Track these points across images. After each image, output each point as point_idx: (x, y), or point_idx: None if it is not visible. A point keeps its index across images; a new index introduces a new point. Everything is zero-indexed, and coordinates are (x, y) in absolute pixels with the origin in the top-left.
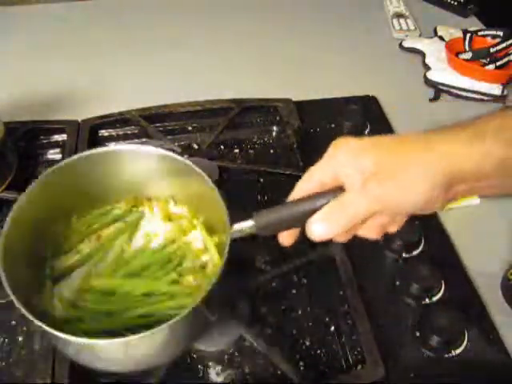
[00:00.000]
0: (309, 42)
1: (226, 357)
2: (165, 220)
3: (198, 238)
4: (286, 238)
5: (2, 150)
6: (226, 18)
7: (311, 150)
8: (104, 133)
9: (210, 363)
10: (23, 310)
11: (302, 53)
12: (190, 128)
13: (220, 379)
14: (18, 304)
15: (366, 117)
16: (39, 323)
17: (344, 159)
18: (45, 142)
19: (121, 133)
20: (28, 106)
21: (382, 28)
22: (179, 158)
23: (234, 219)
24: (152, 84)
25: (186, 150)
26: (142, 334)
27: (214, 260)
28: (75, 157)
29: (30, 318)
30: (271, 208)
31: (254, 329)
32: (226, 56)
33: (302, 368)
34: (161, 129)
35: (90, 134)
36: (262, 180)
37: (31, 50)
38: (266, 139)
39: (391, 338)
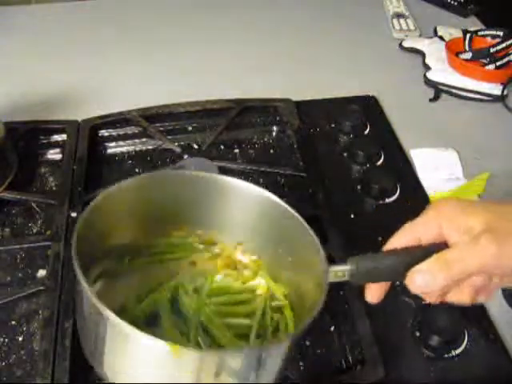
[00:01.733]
0: (309, 42)
1: None
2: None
3: (261, 285)
4: (375, 292)
5: (2, 150)
6: (226, 18)
7: (311, 150)
8: (104, 133)
9: None
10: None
11: (301, 53)
12: (190, 128)
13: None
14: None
15: (366, 117)
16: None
17: (451, 216)
18: (45, 142)
19: (121, 133)
20: (28, 106)
21: (382, 28)
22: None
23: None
24: (152, 84)
25: (186, 150)
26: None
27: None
28: (157, 173)
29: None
30: (367, 255)
31: None
32: (226, 56)
33: (301, 368)
34: (161, 129)
35: (90, 134)
36: (262, 180)
37: (31, 50)
38: (265, 139)
39: (391, 338)
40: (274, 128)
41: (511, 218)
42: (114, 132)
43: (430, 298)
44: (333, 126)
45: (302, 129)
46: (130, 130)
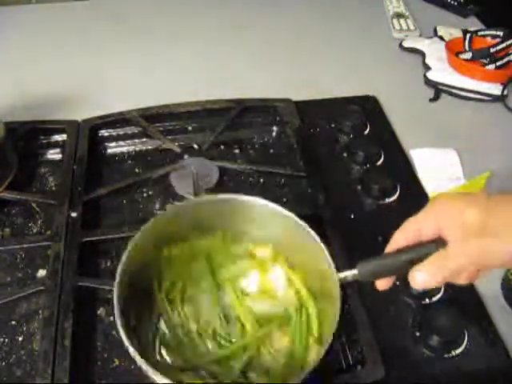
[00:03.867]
0: (309, 42)
1: None
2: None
3: (279, 274)
4: (384, 283)
5: (2, 150)
6: (226, 17)
7: (311, 150)
8: (104, 133)
9: None
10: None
11: (302, 52)
12: (190, 128)
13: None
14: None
15: (365, 117)
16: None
17: (447, 212)
18: (45, 142)
19: (121, 133)
20: (28, 106)
21: (382, 28)
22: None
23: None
24: (152, 84)
25: (186, 150)
26: None
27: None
28: (202, 198)
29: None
30: (374, 257)
31: None
32: (226, 56)
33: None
34: (161, 129)
35: (90, 134)
36: (262, 180)
37: (30, 50)
38: (266, 139)
39: (391, 338)
40: (274, 128)
41: (501, 216)
42: (113, 132)
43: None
44: (333, 125)
45: (301, 129)
46: (129, 130)
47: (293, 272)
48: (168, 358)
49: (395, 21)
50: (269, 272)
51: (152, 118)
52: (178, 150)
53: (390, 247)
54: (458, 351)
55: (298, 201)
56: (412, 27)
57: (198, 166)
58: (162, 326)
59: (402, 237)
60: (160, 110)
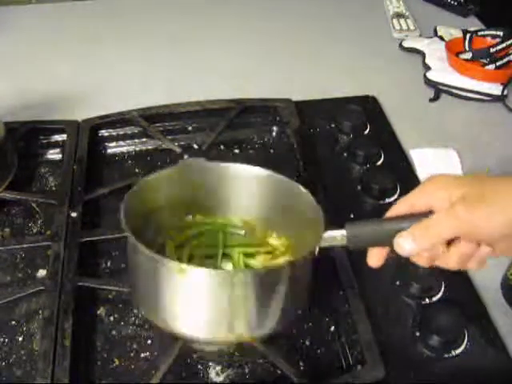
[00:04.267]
0: (309, 42)
1: (225, 357)
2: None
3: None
4: (375, 258)
5: (2, 150)
6: (226, 17)
7: (311, 150)
8: (104, 133)
9: (210, 363)
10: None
11: (301, 52)
12: (190, 128)
13: (220, 379)
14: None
15: (365, 117)
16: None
17: (438, 186)
18: (45, 142)
19: (121, 133)
20: (27, 106)
21: (382, 28)
22: (283, 177)
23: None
24: (152, 84)
25: (186, 150)
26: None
27: None
28: (192, 160)
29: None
30: (363, 221)
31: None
32: (226, 55)
33: (301, 368)
34: (161, 129)
35: (90, 134)
36: None
37: (31, 50)
38: (265, 139)
39: (391, 338)
40: (274, 128)
41: (488, 188)
42: (113, 132)
43: (420, 262)
44: (333, 126)
45: (301, 129)
46: (130, 130)
47: None
48: None
49: (395, 21)
50: (277, 258)
51: (152, 118)
52: (178, 150)
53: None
54: (458, 351)
55: None
56: (412, 27)
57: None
58: None
59: (398, 209)
60: (160, 110)
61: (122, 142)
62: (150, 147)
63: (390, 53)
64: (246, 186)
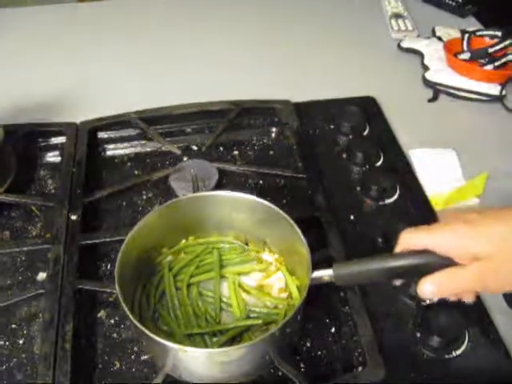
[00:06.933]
0: (307, 43)
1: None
2: (258, 263)
3: (280, 278)
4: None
5: (1, 153)
6: (222, 20)
7: (310, 151)
8: (103, 135)
9: None
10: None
11: (300, 54)
12: (188, 130)
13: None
14: (127, 312)
15: (365, 118)
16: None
17: (460, 234)
18: (43, 144)
19: (120, 135)
20: (25, 109)
21: (381, 28)
22: (271, 205)
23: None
24: (150, 86)
25: (186, 152)
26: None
27: (293, 297)
28: (183, 198)
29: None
30: (352, 261)
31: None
32: (224, 58)
33: (302, 369)
34: (160, 131)
35: (89, 136)
36: (261, 182)
37: (28, 52)
38: (265, 141)
39: (392, 339)
40: (273, 129)
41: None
42: (112, 134)
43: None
44: (332, 127)
45: (301, 130)
46: (128, 132)
47: (291, 278)
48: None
49: (393, 21)
50: (271, 275)
51: (151, 120)
52: (178, 151)
53: (398, 249)
54: (459, 352)
55: (297, 202)
56: (410, 27)
57: (198, 168)
58: (164, 300)
59: (407, 243)
60: (158, 112)
61: (120, 145)
62: (148, 149)
63: (389, 53)
64: (237, 211)
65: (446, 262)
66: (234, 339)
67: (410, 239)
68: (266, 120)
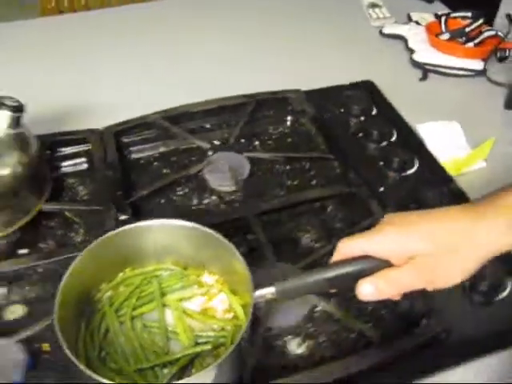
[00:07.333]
0: (300, 38)
1: (301, 329)
2: (199, 286)
3: (223, 299)
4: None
5: (39, 163)
6: (224, 19)
7: (329, 134)
8: (128, 138)
9: (289, 337)
10: (76, 362)
11: (295, 48)
12: (208, 126)
13: (300, 351)
14: (72, 357)
15: (370, 100)
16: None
17: (392, 237)
18: (69, 152)
19: (144, 137)
20: (43, 120)
21: (360, 18)
22: (207, 229)
23: (257, 286)
24: (160, 87)
25: (213, 147)
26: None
27: (239, 317)
28: (117, 231)
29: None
30: (293, 277)
31: (325, 297)
32: (226, 55)
33: (371, 326)
34: (182, 129)
35: (116, 140)
36: (288, 167)
37: (38, 63)
38: (281, 129)
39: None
40: (288, 118)
41: (447, 234)
42: (136, 137)
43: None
44: (342, 110)
45: (317, 116)
46: (152, 132)
47: (234, 298)
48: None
49: (371, 10)
50: (213, 298)
51: (173, 119)
52: (207, 145)
53: (335, 257)
54: (504, 294)
55: (329, 182)
56: (388, 15)
57: (229, 160)
58: (109, 336)
59: (345, 252)
60: (178, 110)
61: (146, 146)
62: (174, 147)
63: (372, 40)
64: (173, 238)
65: (384, 265)
66: (186, 367)
67: (348, 247)
68: (280, 110)
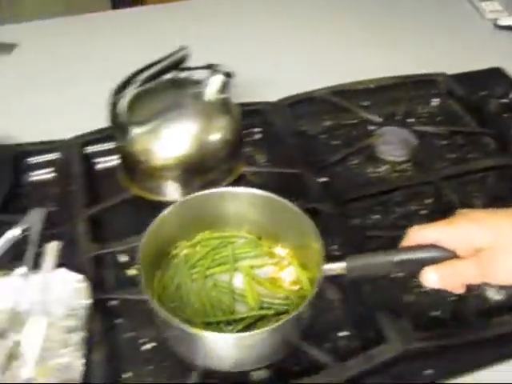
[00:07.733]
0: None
1: None
2: (270, 257)
3: (292, 272)
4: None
5: (240, 128)
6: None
7: (481, 113)
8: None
9: None
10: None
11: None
12: (365, 104)
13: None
14: (154, 305)
15: (507, 83)
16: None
17: (463, 229)
18: (248, 123)
19: (315, 109)
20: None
21: (469, 11)
22: (286, 201)
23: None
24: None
25: (382, 121)
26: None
27: (304, 288)
28: (202, 193)
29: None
30: (364, 254)
31: None
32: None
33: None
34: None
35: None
36: (445, 142)
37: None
38: (428, 109)
39: None
40: (434, 99)
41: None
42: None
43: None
44: (483, 93)
45: (464, 96)
46: (322, 107)
47: (303, 272)
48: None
49: (483, 4)
50: (283, 270)
51: (339, 94)
52: (379, 119)
53: (404, 243)
54: None
55: (484, 156)
56: (500, 8)
57: (396, 133)
58: (181, 290)
59: (415, 240)
60: (348, 87)
61: (319, 118)
62: (343, 122)
63: (487, 32)
64: (251, 207)
65: (451, 255)
66: (249, 328)
67: (418, 234)
68: (428, 91)
